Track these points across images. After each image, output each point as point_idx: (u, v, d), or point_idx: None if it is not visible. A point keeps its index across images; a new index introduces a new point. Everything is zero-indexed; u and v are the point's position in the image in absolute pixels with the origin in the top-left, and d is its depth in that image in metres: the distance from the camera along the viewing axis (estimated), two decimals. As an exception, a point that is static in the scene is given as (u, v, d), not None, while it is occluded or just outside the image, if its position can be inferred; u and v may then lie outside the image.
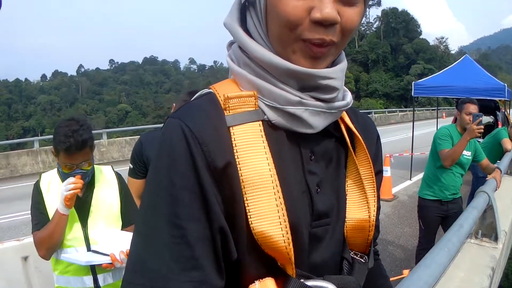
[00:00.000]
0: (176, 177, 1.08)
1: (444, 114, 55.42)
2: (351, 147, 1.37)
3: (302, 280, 1.17)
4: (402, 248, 10.15)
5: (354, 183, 1.37)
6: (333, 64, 1.26)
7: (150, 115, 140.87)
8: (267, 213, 1.10)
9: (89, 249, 3.54)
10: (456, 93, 16.57)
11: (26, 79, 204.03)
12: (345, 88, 1.35)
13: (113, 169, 3.94)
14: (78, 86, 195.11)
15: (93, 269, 3.57)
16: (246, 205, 1.11)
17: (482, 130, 6.55)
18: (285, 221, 1.10)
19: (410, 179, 17.33)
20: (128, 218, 3.82)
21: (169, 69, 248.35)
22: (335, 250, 1.34)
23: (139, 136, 19.89)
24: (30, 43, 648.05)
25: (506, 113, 18.72)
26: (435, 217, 7.51)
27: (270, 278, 1.14)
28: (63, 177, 3.50)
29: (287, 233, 1.10)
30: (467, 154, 7.16)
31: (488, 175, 6.71)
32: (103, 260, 3.34)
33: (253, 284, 1.14)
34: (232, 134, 1.15)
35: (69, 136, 3.28)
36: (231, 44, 1.37)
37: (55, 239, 3.45)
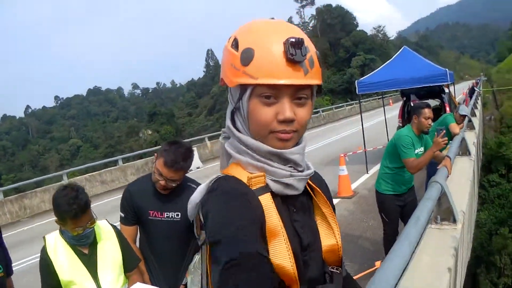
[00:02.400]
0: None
1: (391, 101, 55.64)
2: (314, 196, 1.97)
3: None
4: (370, 241, 10.57)
5: (322, 220, 1.97)
6: (297, 143, 1.83)
7: (102, 146, 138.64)
8: (281, 253, 1.64)
9: None
10: (400, 85, 17.19)
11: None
12: (306, 160, 1.92)
13: (108, 222, 4.23)
14: (27, 128, 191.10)
15: None
16: (269, 247, 1.63)
17: (447, 141, 7.10)
18: (291, 256, 1.64)
19: (367, 173, 17.83)
20: (130, 263, 4.18)
21: (114, 97, 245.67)
22: (318, 268, 1.91)
23: (95, 173, 19.64)
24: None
25: (450, 94, 19.17)
26: (395, 207, 8.13)
27: None
28: (73, 239, 3.77)
29: (293, 264, 1.64)
30: (420, 150, 7.69)
31: (439, 163, 7.07)
32: None
33: None
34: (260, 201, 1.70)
35: (72, 204, 3.55)
36: (224, 137, 1.95)
37: None
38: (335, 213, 2.01)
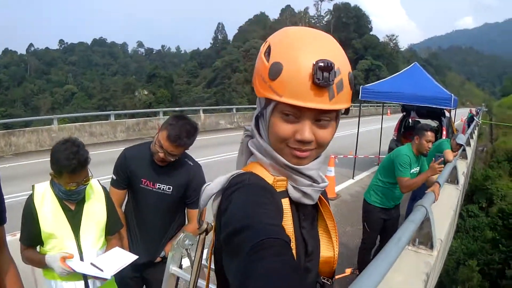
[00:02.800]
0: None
1: (389, 111, 55.54)
2: (320, 208, 2.00)
3: None
4: (344, 247, 10.51)
5: (324, 232, 2.00)
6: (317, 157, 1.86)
7: (96, 97, 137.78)
8: None
9: (81, 258, 3.85)
10: (404, 100, 17.09)
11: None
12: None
13: (99, 183, 4.23)
14: (27, 65, 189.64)
15: (85, 276, 3.86)
16: None
17: (443, 169, 7.15)
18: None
19: (353, 178, 17.85)
20: (112, 227, 4.20)
21: (117, 51, 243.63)
22: (314, 277, 1.95)
23: (85, 124, 19.49)
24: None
25: (450, 119, 19.22)
26: (379, 220, 8.22)
27: None
28: (63, 194, 3.76)
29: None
30: (416, 170, 7.79)
31: (428, 187, 7.13)
32: (98, 274, 3.66)
33: None
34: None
35: (72, 159, 3.54)
36: (247, 136, 1.97)
37: (38, 267, 3.95)
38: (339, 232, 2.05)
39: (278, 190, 1.78)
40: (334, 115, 1.74)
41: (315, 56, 1.59)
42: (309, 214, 1.95)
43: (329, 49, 1.67)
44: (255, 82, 1.78)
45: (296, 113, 1.66)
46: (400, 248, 4.29)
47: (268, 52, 1.70)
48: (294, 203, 1.85)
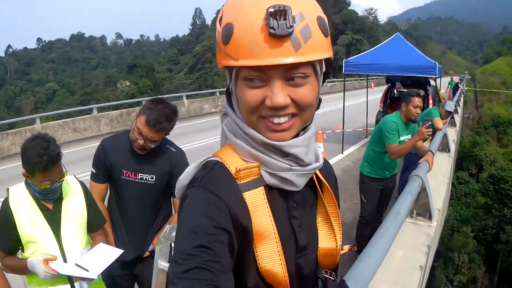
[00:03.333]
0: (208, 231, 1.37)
1: (372, 84, 55.67)
2: (321, 192, 1.75)
3: None
4: (339, 223, 10.40)
5: (324, 220, 1.76)
6: (305, 130, 1.60)
7: (78, 93, 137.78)
8: (271, 257, 1.48)
9: (65, 260, 3.65)
10: (388, 71, 17.09)
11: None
12: (316, 148, 1.68)
13: (76, 178, 4.01)
14: (6, 67, 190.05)
15: (70, 278, 3.67)
16: (256, 251, 1.48)
17: (431, 132, 6.99)
18: (283, 262, 1.48)
19: (342, 153, 17.66)
20: (95, 223, 3.98)
21: (96, 45, 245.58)
22: (310, 273, 1.73)
23: (68, 120, 19.39)
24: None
25: (436, 87, 19.19)
26: (376, 190, 8.14)
27: None
28: (39, 193, 3.57)
29: (284, 269, 1.49)
30: (407, 137, 7.64)
31: (421, 157, 7.06)
32: (83, 274, 3.50)
33: None
34: (245, 199, 1.48)
35: (42, 155, 3.32)
36: (224, 114, 1.71)
37: (21, 274, 3.74)
38: (339, 209, 1.81)
39: (243, 180, 1.52)
40: (312, 70, 1.44)
41: (266, 4, 1.32)
42: (304, 201, 1.70)
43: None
44: (216, 55, 1.54)
45: (260, 76, 1.40)
46: (399, 222, 4.19)
47: (221, 18, 1.47)
48: (281, 190, 1.59)
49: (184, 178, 1.60)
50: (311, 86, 1.45)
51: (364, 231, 8.38)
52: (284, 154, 1.53)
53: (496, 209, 23.28)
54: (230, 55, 1.40)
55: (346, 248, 8.79)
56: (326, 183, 1.76)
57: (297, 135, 1.55)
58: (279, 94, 1.39)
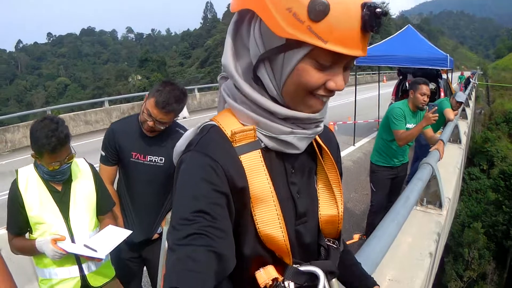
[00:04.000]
0: (204, 193, 1.36)
1: (384, 78, 55.49)
2: (321, 158, 1.73)
3: (296, 266, 1.56)
4: (350, 213, 10.46)
5: (325, 186, 1.73)
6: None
7: (90, 87, 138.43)
8: (270, 220, 1.46)
9: (73, 241, 3.64)
10: (399, 62, 17.00)
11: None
12: None
13: (86, 161, 4.01)
14: (17, 62, 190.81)
15: (78, 259, 3.67)
16: (254, 214, 1.46)
17: (437, 118, 6.91)
18: (282, 225, 1.46)
19: (354, 145, 17.58)
20: (104, 206, 3.97)
21: (107, 39, 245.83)
22: (312, 241, 1.70)
23: (79, 112, 19.43)
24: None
25: (448, 80, 19.12)
26: (386, 179, 8.05)
27: (271, 266, 1.52)
28: (48, 175, 3.56)
29: (284, 234, 1.47)
30: (414, 125, 7.53)
31: (432, 146, 7.03)
32: (91, 254, 3.48)
33: (258, 271, 1.51)
34: (241, 161, 1.47)
35: (50, 137, 3.31)
36: (222, 77, 1.67)
37: (30, 255, 3.74)
38: (341, 178, 1.78)
39: (239, 143, 1.50)
40: None
41: None
42: (302, 167, 1.68)
43: None
44: (270, 15, 1.33)
45: (334, 61, 1.37)
46: (408, 207, 4.16)
47: None
48: (279, 154, 1.58)
49: (181, 144, 1.58)
50: (348, 73, 1.49)
51: (374, 220, 8.30)
52: (289, 119, 1.52)
53: (506, 205, 23.20)
54: (317, 34, 1.29)
55: (357, 237, 8.79)
56: (326, 148, 1.74)
57: None
58: (342, 79, 1.42)
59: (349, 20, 1.28)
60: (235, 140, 1.49)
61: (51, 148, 3.32)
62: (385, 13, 1.30)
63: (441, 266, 14.81)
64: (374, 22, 1.28)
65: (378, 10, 1.27)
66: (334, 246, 1.76)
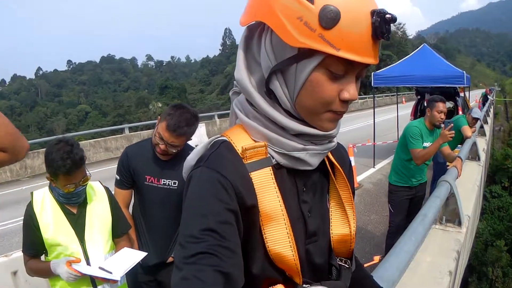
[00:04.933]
0: (213, 213, 1.35)
1: (404, 99, 55.36)
2: (333, 176, 1.72)
3: (305, 286, 1.54)
4: (371, 235, 10.41)
5: (337, 205, 1.71)
6: None
7: (110, 114, 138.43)
8: (280, 239, 1.44)
9: (88, 263, 3.65)
10: (416, 82, 16.97)
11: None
12: None
13: (101, 184, 4.05)
14: (37, 89, 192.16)
15: (93, 281, 3.67)
16: (264, 233, 1.45)
17: (454, 135, 6.92)
18: (292, 244, 1.44)
19: (374, 167, 17.46)
20: (119, 228, 4.00)
21: (127, 67, 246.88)
22: (323, 260, 1.69)
23: (100, 139, 19.53)
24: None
25: (465, 98, 19.05)
26: (404, 200, 8.00)
27: (280, 285, 1.49)
28: (63, 197, 3.58)
29: (295, 253, 1.44)
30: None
31: (449, 164, 7.02)
32: (107, 275, 3.49)
33: None
34: (252, 179, 1.45)
35: (66, 159, 3.34)
36: (234, 93, 1.67)
37: (45, 277, 3.76)
38: (354, 197, 1.77)
39: (250, 160, 1.48)
40: None
41: (369, 3, 1.33)
42: (314, 185, 1.66)
43: None
44: (283, 26, 1.34)
45: (347, 70, 1.38)
46: (426, 225, 4.16)
47: None
48: (291, 172, 1.57)
49: (191, 158, 1.59)
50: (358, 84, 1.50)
51: (393, 241, 8.23)
52: (302, 135, 1.52)
53: (530, 222, 22.94)
54: (329, 42, 1.30)
55: (377, 258, 8.74)
56: (338, 166, 1.72)
57: None
58: (355, 89, 1.42)
59: (360, 27, 1.30)
60: (246, 156, 1.48)
61: (66, 170, 3.35)
62: (395, 19, 1.31)
63: (465, 286, 14.70)
64: (384, 28, 1.31)
65: (387, 16, 1.30)
66: (346, 265, 1.74)
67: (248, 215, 1.43)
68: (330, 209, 1.73)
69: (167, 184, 4.27)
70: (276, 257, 1.46)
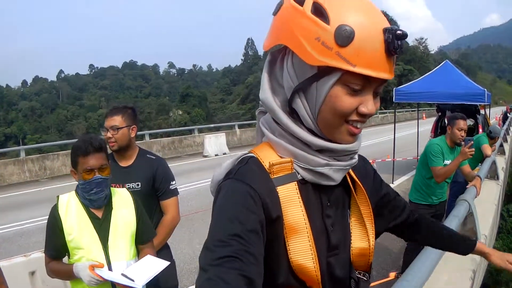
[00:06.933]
0: (242, 221, 1.42)
1: (424, 115, 55.16)
2: (353, 191, 1.79)
3: None
4: (387, 251, 10.34)
5: (357, 220, 1.79)
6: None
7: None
8: (303, 251, 1.53)
9: (110, 268, 3.66)
10: (437, 99, 16.92)
11: (7, 85, 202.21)
12: None
13: (127, 190, 4.10)
14: (58, 92, 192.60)
15: (114, 287, 3.67)
16: (287, 244, 1.53)
17: (474, 152, 6.92)
18: (314, 256, 1.53)
19: (392, 183, 17.31)
20: (144, 235, 4.00)
21: (149, 73, 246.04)
22: (343, 273, 1.74)
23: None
24: (10, 48, 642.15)
25: (486, 116, 18.96)
26: None
27: None
28: (87, 199, 3.64)
29: (316, 264, 1.53)
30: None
31: (469, 182, 7.02)
32: (128, 283, 3.48)
33: None
34: (278, 192, 1.54)
35: (86, 141, 3.50)
36: (260, 112, 1.77)
37: (65, 279, 3.89)
38: (383, 186, 1.91)
39: (276, 175, 1.58)
40: None
41: (381, 22, 1.45)
42: (337, 200, 1.74)
43: (381, 15, 1.50)
44: (302, 47, 1.45)
45: (363, 85, 1.47)
46: (444, 244, 4.13)
47: (319, 11, 1.43)
48: (315, 187, 1.65)
49: (219, 173, 1.66)
50: (378, 100, 1.58)
51: (410, 258, 8.20)
52: (325, 151, 1.60)
53: (544, 242, 22.71)
54: (346, 59, 1.40)
55: (393, 275, 8.67)
56: (359, 182, 1.80)
57: None
58: (373, 104, 1.51)
59: (373, 44, 1.41)
60: (273, 171, 1.57)
61: (83, 150, 3.49)
62: (405, 36, 1.41)
63: (480, 307, 14.62)
64: (396, 44, 1.41)
65: (398, 32, 1.41)
66: (364, 278, 1.81)
67: (273, 226, 1.51)
68: (350, 224, 1.79)
69: (131, 187, 4.54)
70: (298, 268, 1.53)
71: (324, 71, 1.46)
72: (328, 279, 1.67)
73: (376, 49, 1.41)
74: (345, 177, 1.75)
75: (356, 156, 1.73)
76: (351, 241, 1.78)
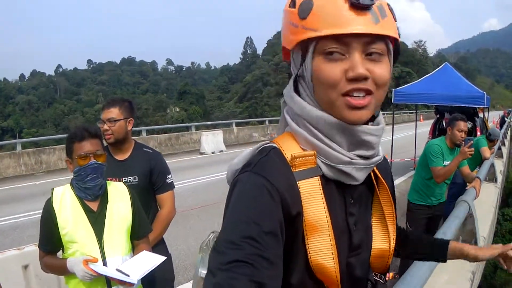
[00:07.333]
0: (258, 220, 1.33)
1: (421, 117, 55.38)
2: (377, 190, 1.71)
3: None
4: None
5: (379, 220, 1.72)
6: (374, 121, 1.59)
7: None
8: (323, 250, 1.45)
9: (104, 263, 3.59)
10: (436, 100, 16.96)
11: (4, 79, 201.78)
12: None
13: (123, 184, 4.04)
14: (56, 86, 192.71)
15: (108, 282, 3.61)
16: (307, 243, 1.44)
17: (473, 152, 6.91)
18: (335, 256, 1.44)
19: (391, 183, 17.28)
20: (140, 230, 3.93)
21: (147, 69, 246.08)
22: (362, 274, 1.67)
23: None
24: (8, 42, 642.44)
25: (484, 119, 18.98)
26: (422, 218, 7.95)
27: None
28: (81, 190, 3.59)
29: (336, 265, 1.45)
30: None
31: (468, 184, 7.01)
32: (123, 278, 3.43)
33: None
34: (299, 187, 1.45)
35: (81, 128, 3.51)
36: (285, 101, 1.67)
37: (59, 274, 3.84)
38: (396, 213, 1.76)
39: (298, 168, 1.48)
40: (385, 49, 1.47)
41: None
42: (360, 197, 1.65)
43: None
44: (285, 38, 1.55)
45: (341, 48, 1.40)
46: (444, 244, 4.11)
47: (293, 2, 1.50)
48: (339, 183, 1.55)
49: (237, 162, 1.60)
50: (386, 63, 1.47)
51: (407, 260, 8.25)
52: (350, 144, 1.52)
53: (539, 246, 22.72)
54: (309, 28, 1.41)
55: (390, 275, 8.69)
56: (383, 180, 1.72)
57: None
58: (360, 65, 1.39)
59: (334, 3, 1.39)
60: (295, 164, 1.48)
61: (79, 136, 3.47)
62: None
63: (474, 310, 14.67)
64: None
65: None
66: (381, 281, 1.74)
67: (292, 224, 1.42)
68: (372, 223, 1.72)
69: (128, 181, 4.50)
70: (317, 267, 1.46)
71: (304, 50, 1.50)
72: (347, 279, 1.58)
73: (339, 7, 1.39)
74: (369, 174, 1.66)
75: (381, 153, 1.66)
76: (372, 242, 1.71)
